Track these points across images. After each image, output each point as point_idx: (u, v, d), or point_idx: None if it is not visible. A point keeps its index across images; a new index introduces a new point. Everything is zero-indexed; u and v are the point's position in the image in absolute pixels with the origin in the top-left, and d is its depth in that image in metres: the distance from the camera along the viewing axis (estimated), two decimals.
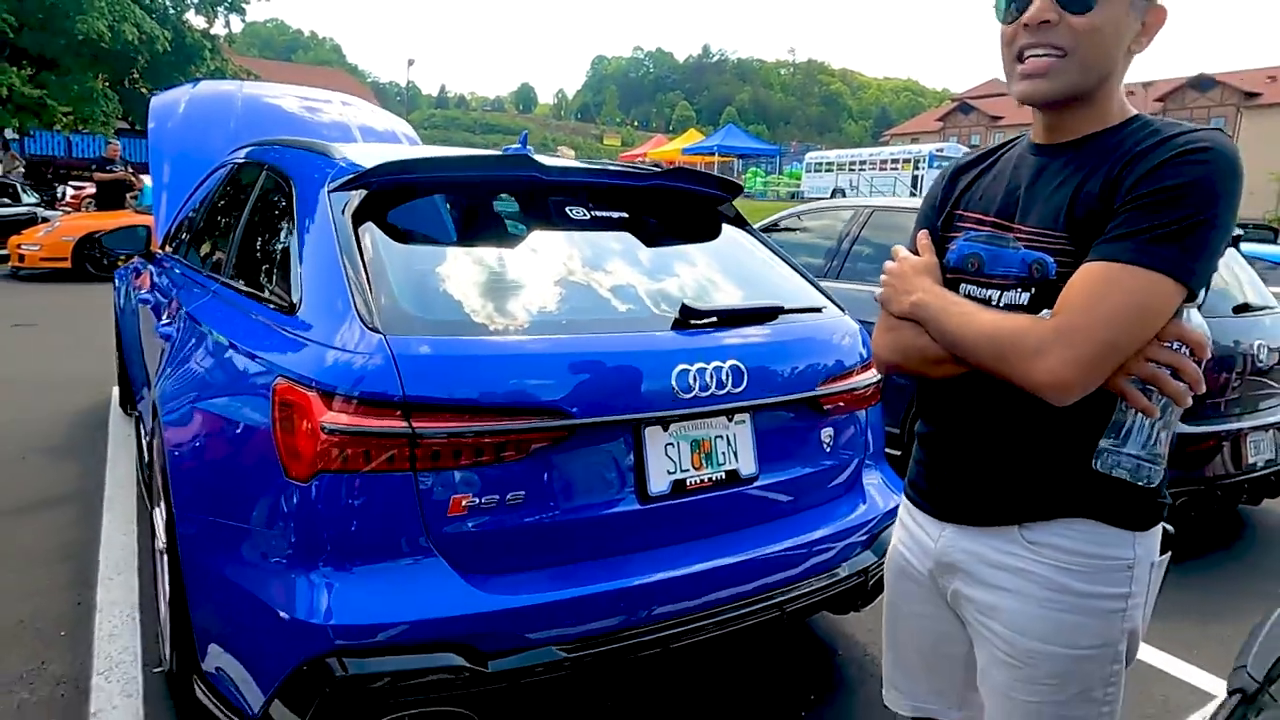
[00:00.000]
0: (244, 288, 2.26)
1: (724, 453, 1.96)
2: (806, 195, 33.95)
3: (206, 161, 3.98)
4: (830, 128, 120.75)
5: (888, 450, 2.58)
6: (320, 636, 1.57)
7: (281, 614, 1.62)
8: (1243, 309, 3.71)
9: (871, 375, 2.31)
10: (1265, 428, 3.65)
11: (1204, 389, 1.06)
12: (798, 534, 2.06)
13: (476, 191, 2.13)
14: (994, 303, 1.16)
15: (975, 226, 1.22)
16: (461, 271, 1.96)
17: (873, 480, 2.34)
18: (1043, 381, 1.03)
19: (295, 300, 1.87)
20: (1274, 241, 13.63)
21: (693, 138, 41.91)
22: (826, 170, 36.40)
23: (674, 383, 1.84)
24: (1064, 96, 1.11)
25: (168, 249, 3.80)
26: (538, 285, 1.99)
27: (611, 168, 2.38)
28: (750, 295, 2.27)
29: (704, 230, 2.44)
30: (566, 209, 2.15)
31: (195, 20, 21.39)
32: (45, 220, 12.20)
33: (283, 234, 2.18)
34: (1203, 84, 51.78)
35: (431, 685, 1.61)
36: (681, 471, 1.89)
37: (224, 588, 1.81)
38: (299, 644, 1.60)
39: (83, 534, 3.26)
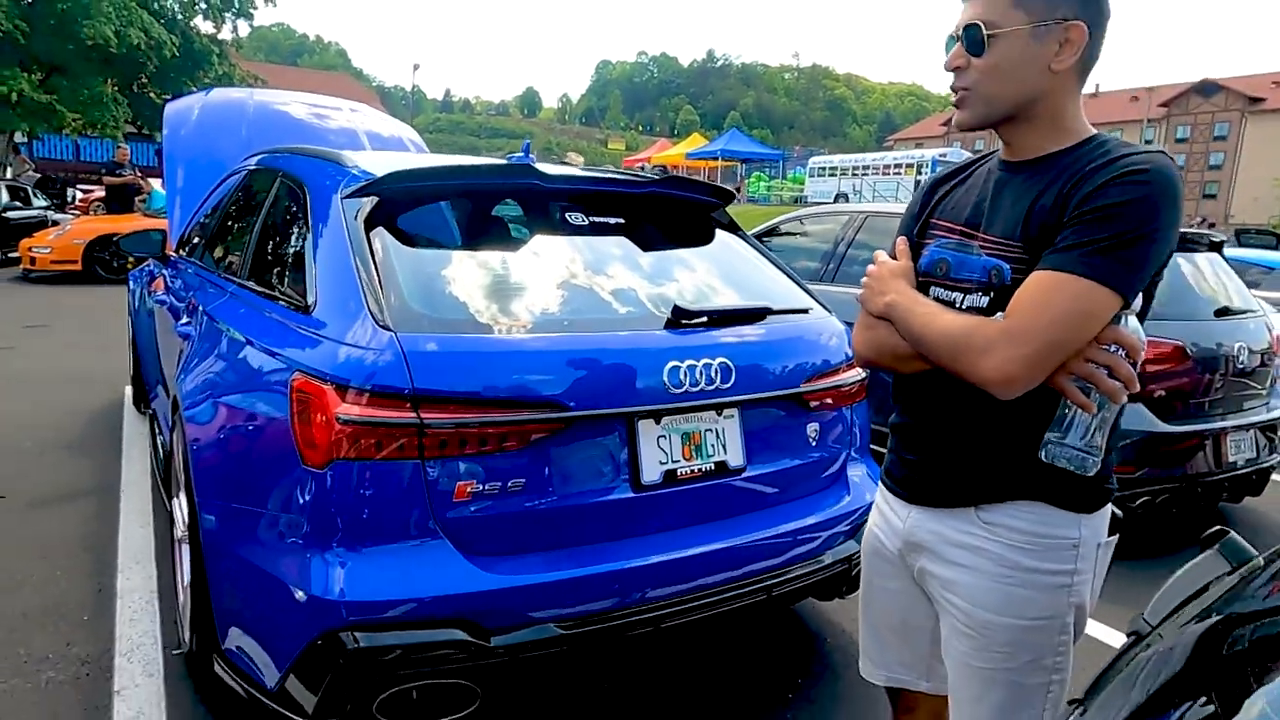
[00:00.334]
0: (260, 288, 2.38)
1: (713, 445, 2.08)
2: (810, 200, 34.05)
3: (219, 167, 4.11)
4: (834, 132, 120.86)
5: (875, 447, 2.69)
6: (334, 612, 1.69)
7: (298, 592, 1.74)
8: (1224, 312, 3.81)
9: (856, 374, 2.43)
10: (1246, 427, 3.76)
11: (1138, 388, 1.16)
12: (784, 523, 2.18)
13: (481, 198, 2.26)
14: (959, 305, 1.28)
15: (945, 234, 1.34)
16: (467, 273, 2.09)
17: (857, 474, 2.45)
18: (989, 377, 1.15)
19: (310, 300, 2.00)
20: (1276, 247, 13.70)
21: (696, 142, 42.07)
22: (830, 175, 36.48)
23: (665, 379, 1.96)
24: (979, 124, 1.26)
25: (182, 252, 3.93)
26: (538, 286, 2.11)
27: (608, 176, 2.50)
28: (740, 297, 2.39)
29: (697, 235, 2.56)
30: (566, 215, 2.28)
31: (203, 25, 21.62)
32: (55, 223, 12.36)
33: (298, 238, 2.31)
34: (1207, 89, 51.78)
35: (438, 658, 1.73)
36: (673, 462, 2.01)
37: (244, 570, 1.93)
38: (315, 619, 1.72)
39: (101, 526, 3.38)
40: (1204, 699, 0.69)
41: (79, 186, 19.74)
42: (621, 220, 2.37)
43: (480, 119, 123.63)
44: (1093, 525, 1.26)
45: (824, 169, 37.69)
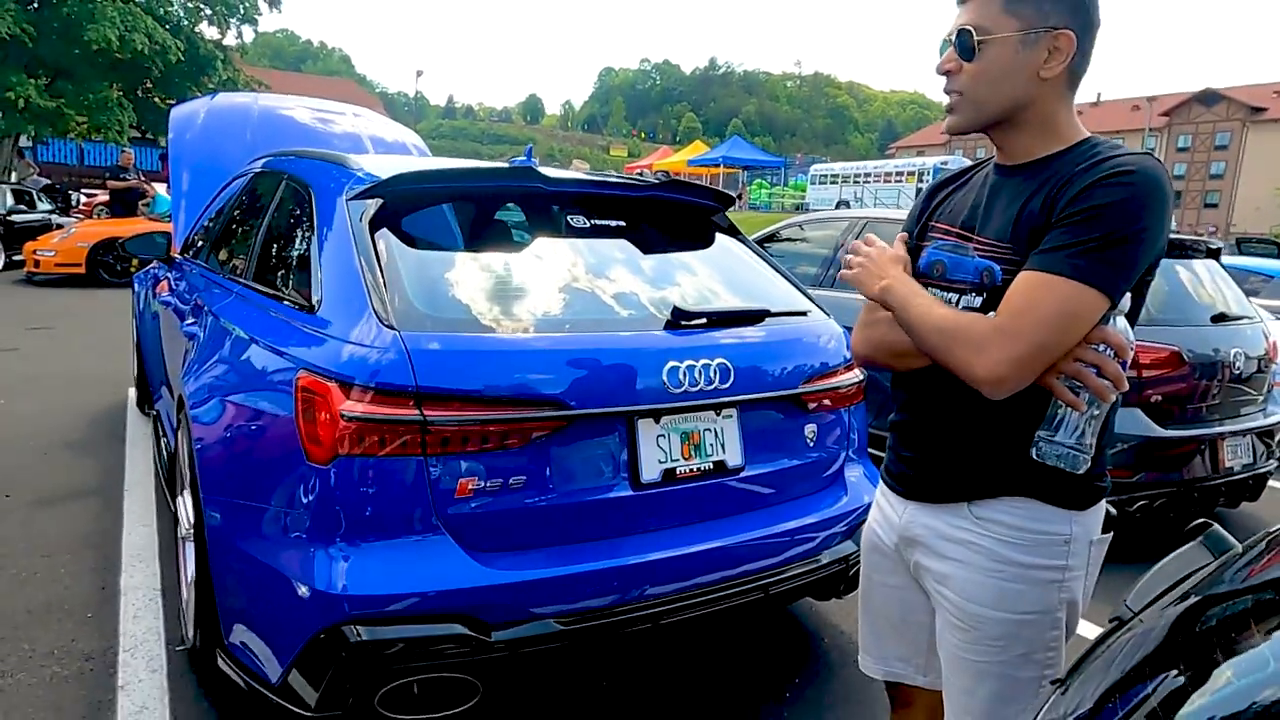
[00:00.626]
0: (266, 288, 2.41)
1: (712, 444, 2.10)
2: (811, 207, 34.13)
3: (224, 171, 4.15)
4: (836, 140, 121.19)
5: (873, 451, 2.72)
6: (337, 606, 1.72)
7: (301, 587, 1.77)
8: (1220, 318, 3.84)
9: (854, 375, 2.46)
10: (1243, 433, 3.78)
11: (1126, 387, 1.19)
12: (781, 522, 2.20)
13: (484, 200, 2.29)
14: (954, 304, 1.30)
15: (943, 236, 1.37)
16: (470, 274, 2.12)
17: (855, 475, 2.48)
18: (979, 375, 1.17)
19: (315, 300, 2.03)
20: (1277, 256, 13.71)
21: (698, 149, 42.22)
22: (831, 182, 36.59)
23: (665, 378, 1.99)
24: (969, 128, 1.29)
25: (187, 255, 3.96)
26: (540, 287, 2.14)
27: (610, 179, 2.54)
28: (739, 299, 2.42)
29: (697, 238, 2.59)
30: (568, 217, 2.31)
31: (208, 31, 21.74)
32: (60, 227, 12.43)
33: (303, 239, 2.34)
34: (1208, 99, 51.91)
35: (439, 653, 1.75)
36: (672, 461, 2.03)
37: (248, 566, 1.96)
38: (317, 614, 1.74)
39: (105, 525, 3.41)
40: (1175, 672, 0.72)
41: (83, 191, 19.82)
42: (623, 223, 2.40)
43: (483, 125, 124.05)
44: (1085, 522, 1.28)
45: (825, 176, 37.81)
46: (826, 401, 2.36)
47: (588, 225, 2.33)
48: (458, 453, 1.80)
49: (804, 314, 2.46)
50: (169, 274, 3.98)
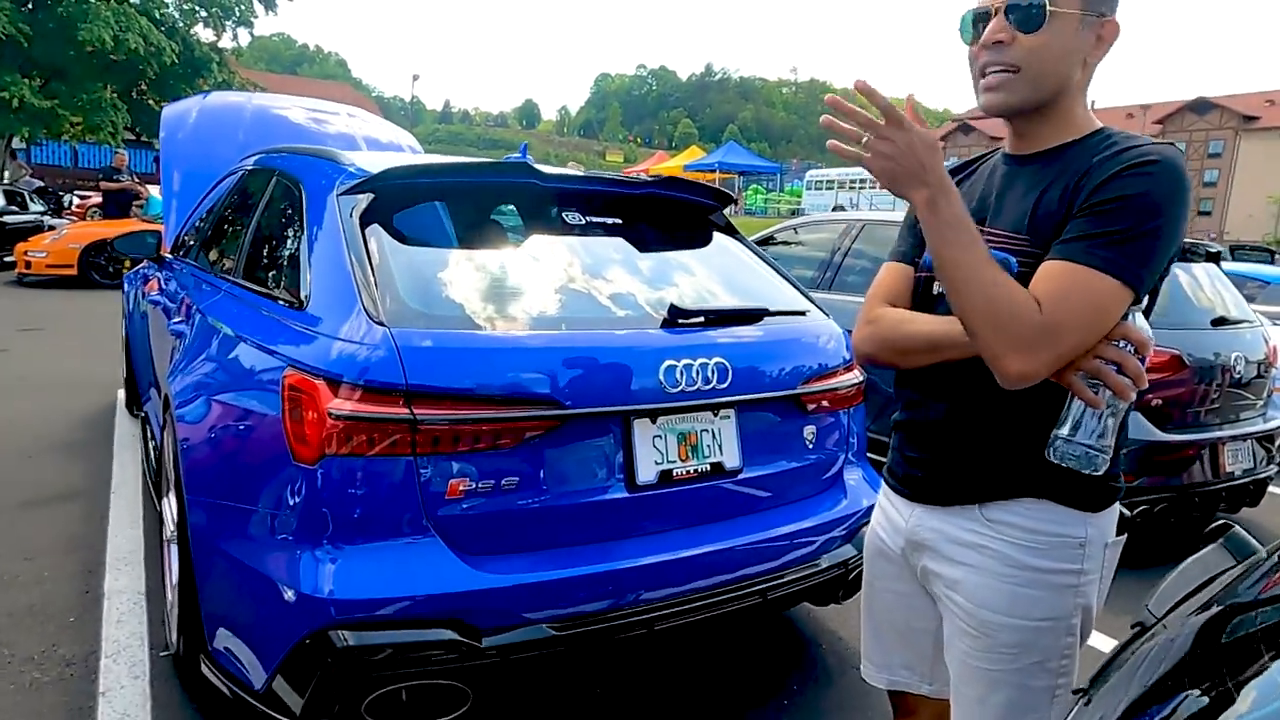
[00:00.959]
0: (254, 286, 2.37)
1: (709, 446, 2.06)
2: (807, 212, 34.17)
3: (216, 171, 4.10)
4: None
5: (872, 455, 2.68)
6: (323, 610, 1.67)
7: (287, 591, 1.71)
8: (1220, 322, 3.81)
9: (854, 376, 2.42)
10: (1244, 437, 3.75)
11: (1146, 384, 1.13)
12: (780, 525, 2.16)
13: (477, 196, 2.25)
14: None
15: None
16: (462, 271, 2.07)
17: (854, 477, 2.43)
18: (1014, 372, 1.08)
19: (304, 296, 1.98)
20: (1272, 263, 13.75)
21: (694, 154, 42.19)
22: (827, 188, 36.65)
23: (662, 378, 1.95)
24: (1021, 108, 1.21)
25: (178, 254, 3.91)
26: (534, 285, 2.10)
27: (606, 176, 2.49)
28: (737, 298, 2.38)
29: (695, 237, 2.55)
30: (563, 214, 2.27)
31: (204, 33, 21.65)
32: (51, 228, 12.34)
33: (293, 235, 2.29)
34: (1201, 107, 52.19)
35: (428, 659, 1.70)
36: (668, 462, 1.99)
37: (232, 569, 1.91)
38: (303, 618, 1.69)
39: (90, 527, 3.34)
40: (1198, 691, 0.68)
41: (77, 193, 19.73)
42: (619, 221, 2.36)
43: (479, 130, 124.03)
44: (1100, 524, 1.24)
45: (821, 182, 37.87)
46: (825, 403, 2.32)
47: (583, 222, 2.29)
48: (448, 453, 1.75)
49: (803, 314, 2.42)
50: (158, 273, 3.93)
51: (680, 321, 2.07)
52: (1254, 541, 1.03)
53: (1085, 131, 1.22)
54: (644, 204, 2.46)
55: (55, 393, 5.42)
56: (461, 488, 1.76)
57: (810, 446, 2.30)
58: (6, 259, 11.54)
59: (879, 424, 3.39)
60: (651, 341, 2.01)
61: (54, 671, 2.34)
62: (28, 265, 10.63)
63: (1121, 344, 1.12)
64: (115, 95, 18.58)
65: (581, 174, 2.49)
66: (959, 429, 1.28)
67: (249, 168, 3.23)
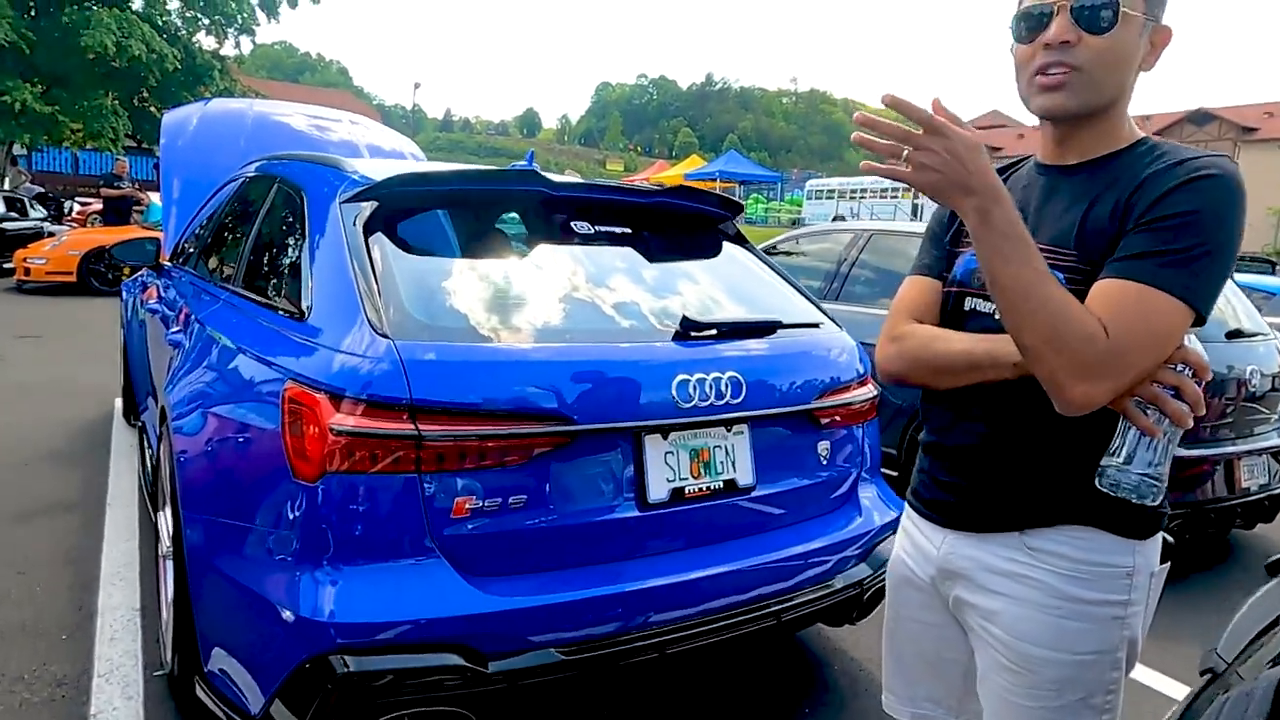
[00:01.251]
0: (254, 295, 2.31)
1: (722, 462, 2.00)
2: (807, 222, 34.18)
3: (216, 178, 4.05)
4: (832, 156, 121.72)
5: (885, 471, 2.62)
6: (323, 634, 1.60)
7: (285, 613, 1.65)
8: (1235, 334, 3.76)
9: (868, 391, 2.36)
10: (1259, 452, 3.69)
11: (1204, 410, 1.07)
12: (793, 545, 2.10)
13: (484, 205, 2.19)
14: (996, 316, 1.12)
15: None
16: (469, 281, 2.02)
17: (868, 494, 2.37)
18: (1073, 399, 1.02)
19: (306, 307, 1.92)
20: (1273, 274, 13.73)
21: (695, 163, 42.28)
22: (827, 197, 36.69)
23: (674, 392, 1.89)
24: (1079, 111, 1.14)
25: (177, 262, 3.86)
26: (543, 296, 2.04)
27: (616, 185, 2.44)
28: (749, 310, 2.32)
29: (706, 247, 2.49)
30: (572, 223, 2.21)
31: (206, 41, 21.69)
32: (51, 235, 12.29)
33: (294, 243, 2.23)
34: (1200, 119, 52.33)
35: (432, 685, 1.63)
36: (680, 480, 1.93)
37: (229, 588, 1.84)
38: (302, 642, 1.62)
39: (85, 540, 3.28)
40: None
41: (77, 199, 19.70)
42: (628, 230, 2.31)
43: (480, 138, 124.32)
44: (1146, 552, 1.18)
45: (821, 191, 37.92)
46: (840, 417, 2.26)
47: (592, 232, 2.23)
48: (454, 470, 1.69)
49: (816, 326, 2.36)
50: (157, 281, 3.88)
51: (693, 334, 2.01)
52: None
53: (1129, 141, 1.16)
54: (653, 213, 2.41)
55: (52, 401, 5.36)
56: (467, 506, 1.70)
57: (824, 463, 2.23)
58: (6, 266, 11.49)
59: (886, 436, 3.32)
60: (664, 355, 1.95)
61: (45, 692, 2.27)
62: (27, 272, 10.57)
63: (1180, 368, 1.06)
64: (116, 102, 18.61)
65: (590, 182, 2.43)
66: (998, 452, 1.21)
67: (249, 175, 3.18)
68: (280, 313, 2.06)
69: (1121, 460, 1.08)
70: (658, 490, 1.89)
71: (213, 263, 3.12)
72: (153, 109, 20.54)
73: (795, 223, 33.93)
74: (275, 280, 2.32)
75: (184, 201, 4.64)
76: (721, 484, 1.99)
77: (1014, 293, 1.03)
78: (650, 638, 1.83)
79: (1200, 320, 1.06)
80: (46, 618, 2.67)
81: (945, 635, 1.34)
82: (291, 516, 1.69)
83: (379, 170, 2.17)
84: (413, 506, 1.67)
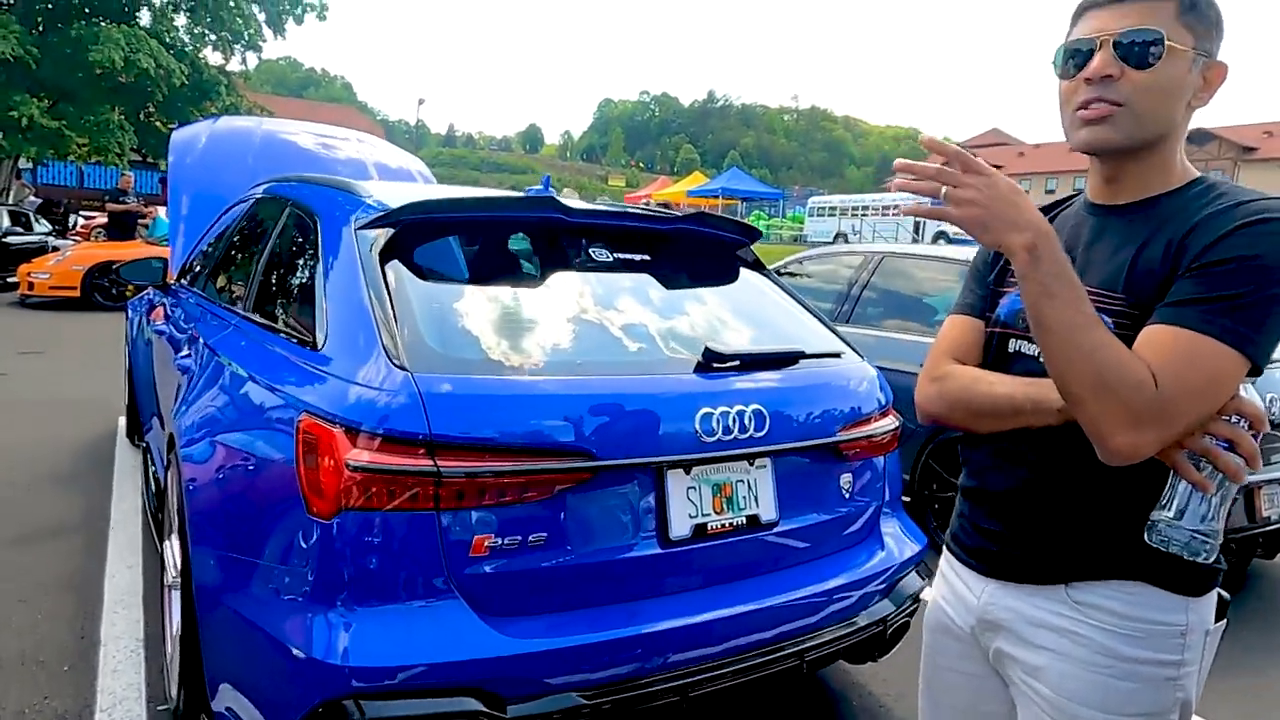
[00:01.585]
0: (266, 322, 2.27)
1: (745, 497, 1.95)
2: (809, 239, 34.27)
3: (224, 196, 4.03)
4: (833, 173, 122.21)
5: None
6: (338, 678, 1.55)
7: (299, 653, 1.60)
8: None
9: (889, 422, 2.31)
10: (1279, 481, 3.63)
11: (1260, 465, 1.03)
12: (817, 581, 2.04)
13: (502, 232, 2.16)
14: (1043, 360, 1.08)
15: None
16: (487, 311, 1.98)
17: (890, 528, 2.32)
18: (1119, 448, 0.99)
19: (320, 336, 1.88)
20: None
21: (697, 180, 42.41)
22: (829, 215, 36.79)
23: (697, 425, 1.84)
24: (1121, 146, 1.10)
25: (184, 281, 3.82)
26: (562, 326, 2.00)
27: (633, 210, 2.41)
28: (771, 339, 2.28)
29: (724, 273, 2.46)
30: (590, 251, 2.18)
31: (212, 56, 21.81)
32: (56, 249, 12.29)
33: (307, 270, 2.20)
34: (1200, 138, 52.53)
35: None
36: (703, 515, 1.88)
37: (239, 625, 1.79)
38: (316, 685, 1.57)
39: (87, 565, 3.22)
40: None
41: (81, 213, 19.73)
42: (647, 257, 2.27)
43: (483, 154, 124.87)
44: (1200, 610, 1.12)
45: (823, 209, 38.02)
46: (862, 450, 2.22)
47: (610, 259, 2.20)
48: (474, 507, 1.64)
49: (837, 356, 2.32)
50: (164, 300, 3.84)
51: (715, 366, 1.96)
52: None
53: (1183, 180, 1.12)
54: (671, 239, 2.37)
55: (54, 419, 5.31)
56: (486, 545, 1.65)
57: (846, 496, 2.19)
58: (9, 280, 11.49)
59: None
60: (687, 387, 1.91)
61: None
62: (30, 286, 10.57)
63: (1235, 419, 1.01)
64: (123, 117, 18.67)
65: (608, 208, 2.40)
66: (1041, 501, 1.17)
67: (259, 196, 3.15)
68: (293, 340, 2.02)
69: (1172, 515, 1.04)
70: (680, 526, 1.84)
71: (223, 285, 3.08)
72: (158, 124, 20.64)
73: (797, 240, 33.97)
74: (288, 306, 2.28)
75: (192, 219, 4.62)
76: (744, 519, 1.94)
77: (1059, 335, 1.00)
78: (673, 680, 1.77)
79: (1257, 370, 1.02)
80: (48, 647, 2.62)
81: (985, 687, 1.29)
82: (306, 553, 1.64)
83: (394, 196, 2.13)
84: (430, 545, 1.62)
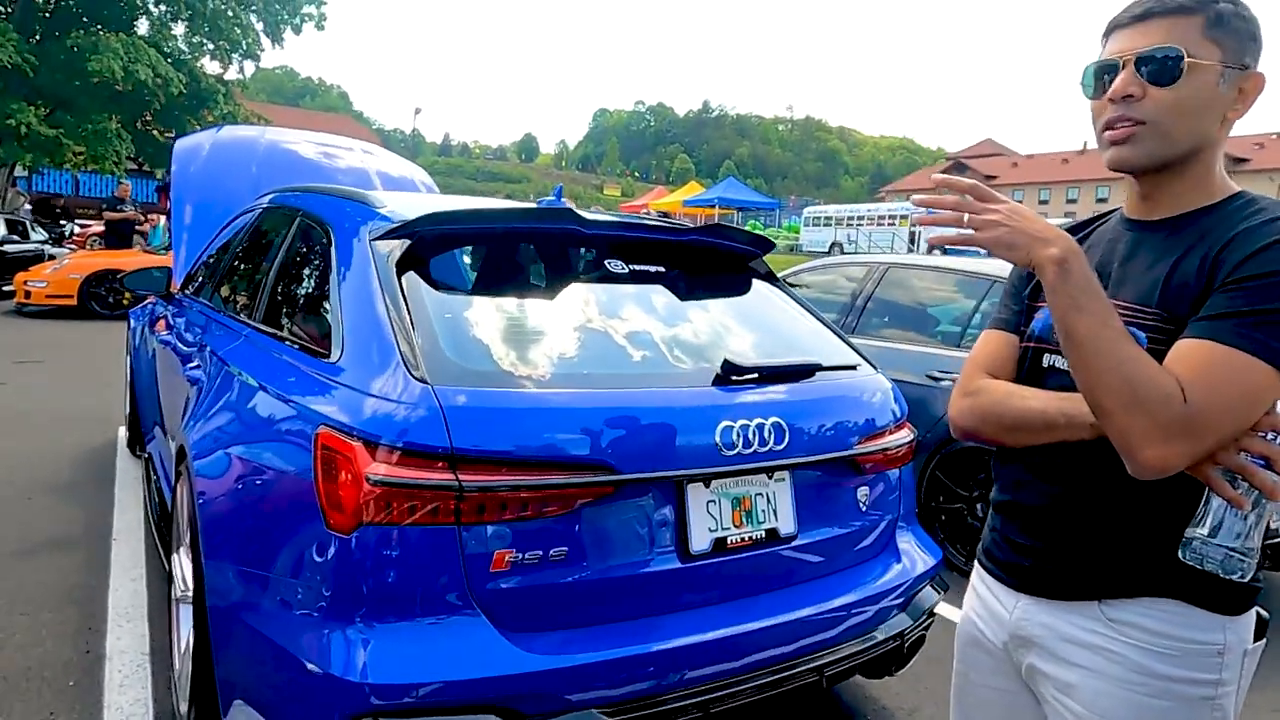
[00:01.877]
0: (279, 333, 2.25)
1: (764, 511, 1.94)
2: (805, 249, 34.35)
3: (228, 205, 4.01)
4: (827, 183, 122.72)
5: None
6: (357, 695, 1.53)
7: (317, 670, 1.57)
8: None
9: (905, 435, 2.30)
10: None
11: None
12: (835, 595, 2.03)
13: (518, 244, 2.15)
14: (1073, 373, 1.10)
15: None
16: (505, 323, 1.97)
17: (906, 541, 2.31)
18: (1148, 462, 0.98)
19: (336, 347, 1.86)
20: None
21: (693, 190, 42.52)
22: (825, 224, 36.90)
23: (718, 438, 1.83)
24: (1147, 164, 1.11)
25: (188, 290, 3.80)
26: (580, 338, 1.99)
27: (648, 222, 2.40)
28: (787, 351, 2.27)
29: (738, 285, 2.45)
30: (605, 262, 2.17)
31: (210, 65, 21.80)
32: (52, 258, 12.24)
33: (321, 280, 2.18)
34: None
35: None
36: (722, 529, 1.87)
37: (255, 640, 1.76)
38: (335, 703, 1.55)
39: (90, 578, 3.19)
40: None
41: (77, 221, 19.68)
42: (661, 269, 2.26)
43: (478, 163, 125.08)
44: (1238, 629, 1.11)
45: (819, 218, 38.14)
46: (879, 462, 2.20)
47: (626, 270, 2.19)
48: (495, 521, 1.62)
49: (853, 368, 2.31)
50: (168, 310, 3.82)
51: (734, 378, 1.95)
52: None
53: (1222, 195, 1.12)
54: (685, 251, 2.37)
55: (54, 429, 5.27)
56: (507, 560, 1.63)
57: (863, 509, 2.17)
58: (6, 288, 11.43)
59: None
60: (706, 400, 1.89)
61: None
62: (27, 295, 10.51)
63: (1271, 436, 1.00)
64: (120, 125, 18.63)
65: (624, 220, 2.39)
66: (1075, 516, 1.16)
67: (267, 205, 3.14)
68: (308, 352, 2.01)
69: (1206, 532, 1.03)
70: (700, 541, 1.83)
71: (231, 296, 3.06)
72: (155, 132, 20.61)
73: (793, 249, 34.05)
74: (301, 317, 2.26)
75: (196, 229, 4.60)
76: (763, 533, 1.93)
77: (1088, 348, 1.00)
78: (694, 695, 1.75)
79: None
80: (53, 662, 2.58)
81: (1017, 703, 1.28)
82: (324, 568, 1.62)
83: (409, 207, 2.12)
84: (451, 560, 1.60)
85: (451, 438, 1.60)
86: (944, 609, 2.47)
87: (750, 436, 1.87)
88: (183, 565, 2.36)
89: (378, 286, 1.88)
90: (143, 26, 19.89)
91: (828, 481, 2.11)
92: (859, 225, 34.76)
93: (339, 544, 1.60)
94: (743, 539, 1.89)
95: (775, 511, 1.96)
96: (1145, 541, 1.10)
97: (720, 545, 1.86)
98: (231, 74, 22.75)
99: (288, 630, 1.68)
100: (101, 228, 13.88)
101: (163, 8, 20.13)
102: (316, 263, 2.30)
